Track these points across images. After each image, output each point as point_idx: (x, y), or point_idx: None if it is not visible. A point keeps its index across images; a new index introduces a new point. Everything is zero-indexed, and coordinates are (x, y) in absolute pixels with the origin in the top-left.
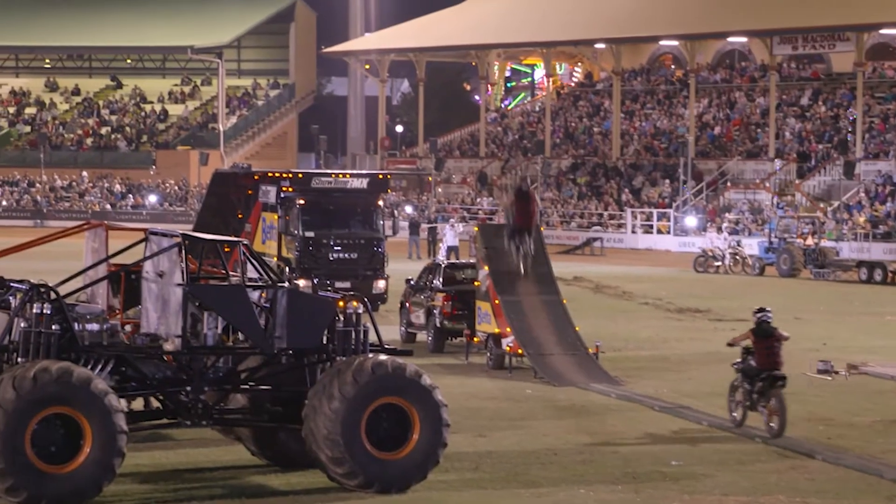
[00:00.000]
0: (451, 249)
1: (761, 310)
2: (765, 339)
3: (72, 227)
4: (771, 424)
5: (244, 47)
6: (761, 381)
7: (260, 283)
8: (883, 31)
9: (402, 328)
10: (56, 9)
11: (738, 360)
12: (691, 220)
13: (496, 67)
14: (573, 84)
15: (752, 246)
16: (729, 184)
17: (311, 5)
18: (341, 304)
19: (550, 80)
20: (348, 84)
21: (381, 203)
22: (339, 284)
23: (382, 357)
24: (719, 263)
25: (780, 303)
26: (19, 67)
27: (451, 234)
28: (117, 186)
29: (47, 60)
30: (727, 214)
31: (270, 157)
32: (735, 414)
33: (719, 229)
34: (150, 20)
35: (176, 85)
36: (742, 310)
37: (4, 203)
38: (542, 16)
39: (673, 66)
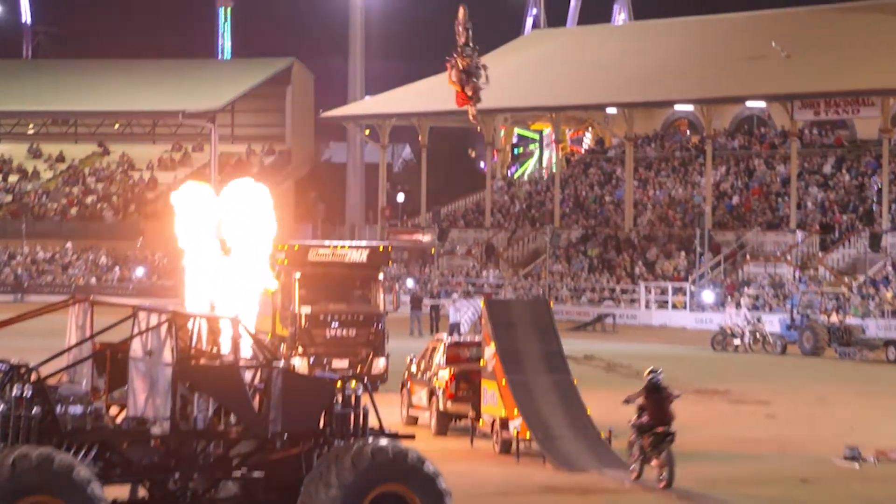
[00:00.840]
0: (453, 326)
1: (652, 371)
2: (655, 395)
3: (55, 303)
4: (661, 476)
5: (238, 111)
6: (652, 436)
7: (254, 363)
8: None
9: (404, 410)
10: (40, 72)
11: (635, 416)
12: (708, 295)
13: (502, 133)
14: (583, 150)
15: (773, 323)
16: (748, 256)
17: (309, 67)
18: (339, 384)
19: (559, 146)
20: (347, 150)
21: (381, 276)
22: (336, 363)
23: (383, 442)
24: (738, 341)
25: (804, 384)
26: (0, 133)
27: (453, 311)
28: (103, 259)
29: (31, 126)
30: (746, 289)
31: None
32: (633, 467)
33: (738, 305)
34: (139, 83)
35: (166, 151)
36: (764, 391)
37: None
38: (551, 79)
39: (688, 132)
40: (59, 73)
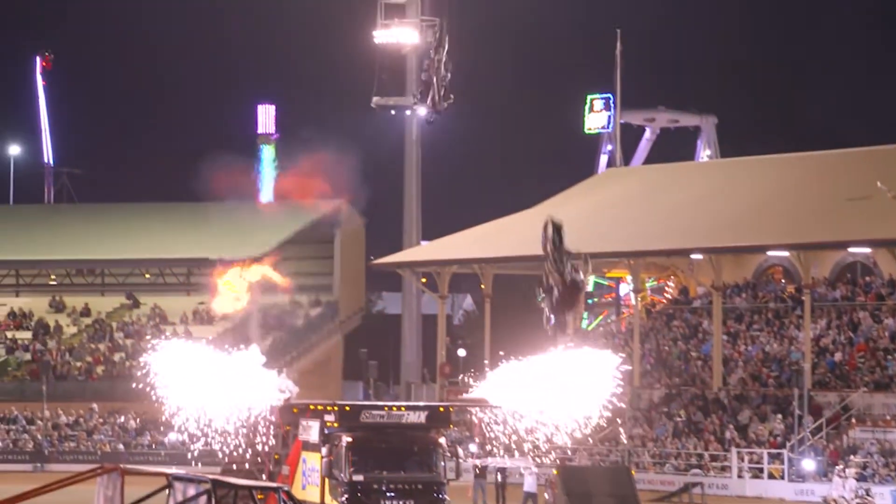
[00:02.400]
0: (528, 496)
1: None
2: None
3: (82, 472)
4: None
5: (281, 258)
6: None
7: None
8: None
9: None
10: (63, 218)
11: None
12: (809, 464)
13: None
14: (666, 301)
15: (883, 496)
16: (854, 420)
17: (359, 211)
18: None
19: (639, 295)
20: (402, 301)
21: (441, 441)
22: None
23: None
24: None
25: None
26: (20, 285)
27: (529, 479)
28: (132, 422)
29: (53, 276)
30: (853, 457)
31: (311, 386)
32: None
33: (843, 474)
34: (171, 229)
35: (201, 303)
36: None
37: None
38: (628, 222)
39: (783, 281)
40: (83, 219)
